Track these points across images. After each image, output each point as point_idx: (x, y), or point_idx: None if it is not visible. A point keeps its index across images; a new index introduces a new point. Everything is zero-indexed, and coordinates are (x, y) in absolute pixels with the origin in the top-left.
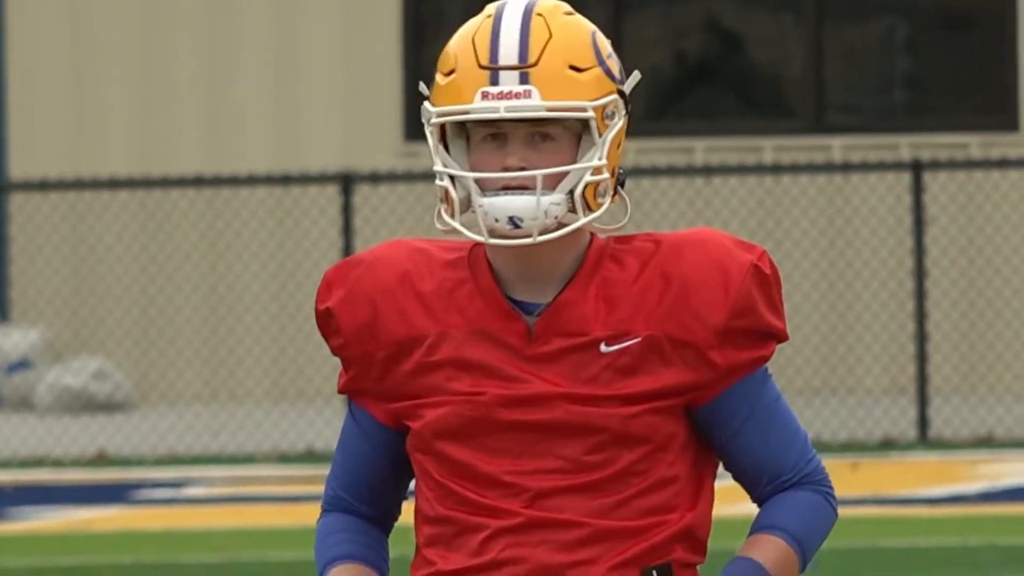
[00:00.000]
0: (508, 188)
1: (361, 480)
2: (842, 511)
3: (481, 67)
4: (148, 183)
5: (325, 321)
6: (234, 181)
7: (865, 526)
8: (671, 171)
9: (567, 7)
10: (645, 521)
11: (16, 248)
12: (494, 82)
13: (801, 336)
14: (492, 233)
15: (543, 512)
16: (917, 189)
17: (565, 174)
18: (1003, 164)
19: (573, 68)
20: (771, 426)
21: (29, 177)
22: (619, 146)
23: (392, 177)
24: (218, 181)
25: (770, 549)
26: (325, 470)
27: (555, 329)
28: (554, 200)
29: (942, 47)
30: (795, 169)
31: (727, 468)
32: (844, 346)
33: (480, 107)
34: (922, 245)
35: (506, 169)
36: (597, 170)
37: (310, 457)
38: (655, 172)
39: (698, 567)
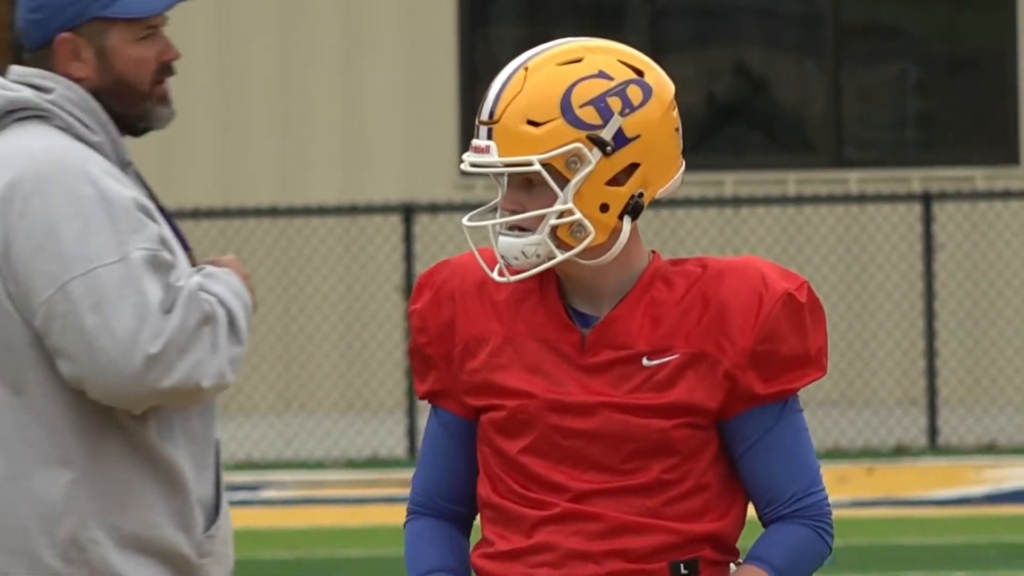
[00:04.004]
0: (511, 228)
1: (448, 478)
2: (858, 511)
3: (477, 119)
4: (228, 213)
5: (416, 321)
6: (306, 211)
7: (880, 525)
8: (703, 202)
9: (577, 54)
10: (674, 524)
11: None
12: (477, 135)
13: None
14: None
15: (578, 506)
16: (927, 218)
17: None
18: (1006, 195)
19: (530, 123)
20: (780, 454)
21: None
22: (616, 183)
23: (450, 207)
24: (291, 212)
25: None
26: (389, 474)
27: (604, 342)
28: (531, 241)
29: (950, 88)
30: (816, 200)
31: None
32: (861, 361)
33: (465, 159)
34: (931, 270)
35: (503, 208)
36: (566, 212)
37: (375, 463)
38: (688, 203)
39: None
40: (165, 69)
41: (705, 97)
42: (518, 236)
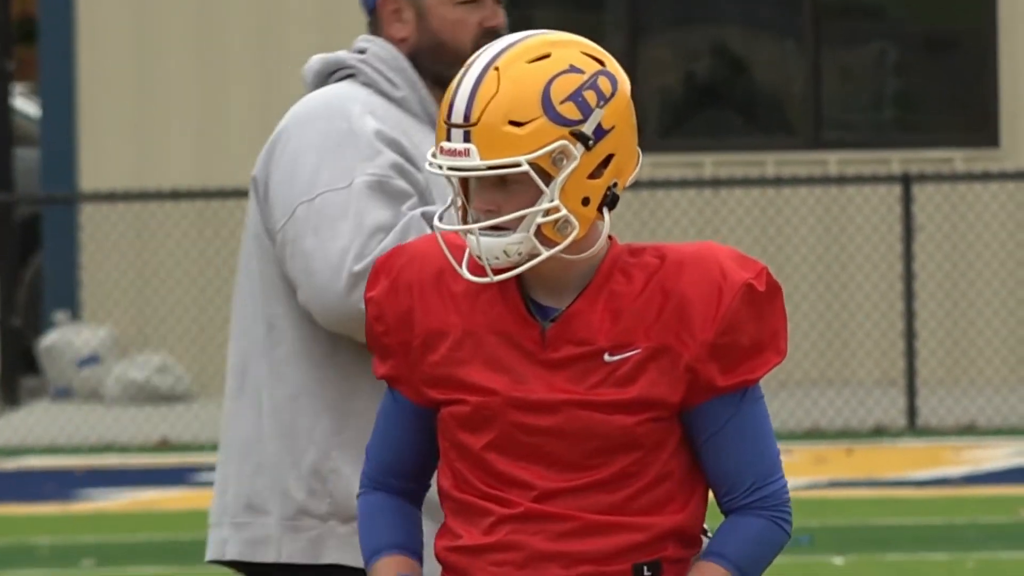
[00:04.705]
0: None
1: (403, 457)
2: (837, 492)
3: (443, 122)
4: (206, 194)
5: (372, 309)
6: None
7: (858, 506)
8: (682, 183)
9: (544, 50)
10: (638, 519)
11: (86, 254)
12: (448, 137)
13: (801, 333)
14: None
15: (542, 506)
16: (906, 200)
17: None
18: (985, 177)
19: (513, 123)
20: (738, 444)
21: (98, 189)
22: (595, 176)
23: None
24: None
25: None
26: None
27: (565, 337)
28: (513, 240)
29: (929, 69)
30: (795, 182)
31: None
32: (840, 342)
33: (433, 162)
34: (911, 251)
35: (476, 209)
36: (552, 209)
37: None
38: (668, 184)
39: (692, 558)
40: (489, 34)
41: (684, 78)
42: (499, 236)
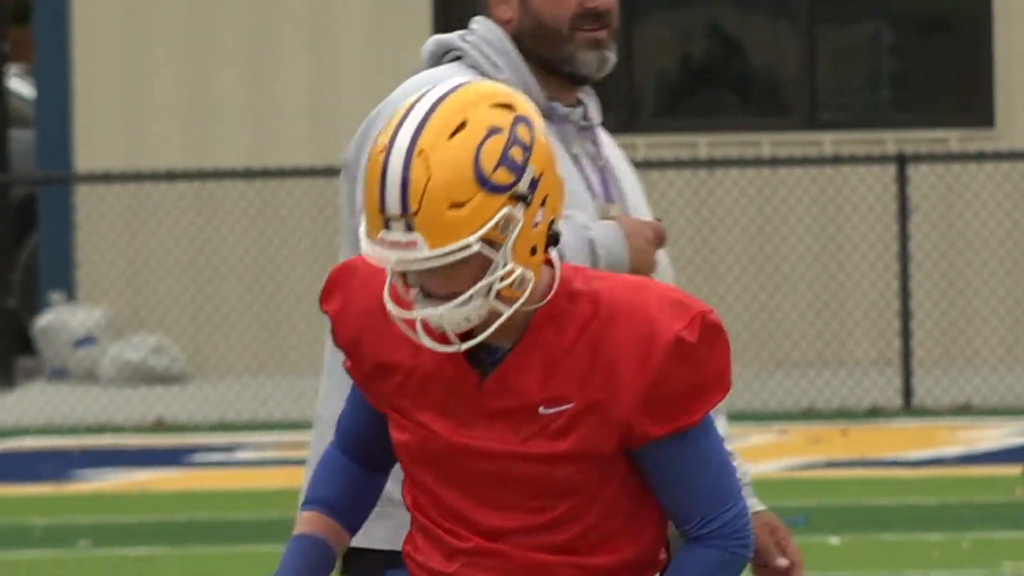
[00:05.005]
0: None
1: (363, 433)
2: (833, 472)
3: (377, 212)
4: (201, 175)
5: (330, 321)
6: (279, 173)
7: (854, 486)
8: (677, 164)
9: (458, 118)
10: (587, 558)
11: (81, 235)
12: (387, 226)
13: (797, 313)
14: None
15: (491, 544)
16: (902, 180)
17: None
18: (980, 157)
19: (455, 205)
20: (684, 481)
21: (93, 170)
22: (536, 223)
23: None
24: (265, 173)
25: None
26: None
27: (502, 387)
28: (473, 307)
29: (924, 49)
30: (790, 162)
31: None
32: (836, 322)
33: (376, 252)
34: (906, 231)
35: (429, 291)
36: (507, 272)
37: None
38: (662, 165)
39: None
40: (589, 15)
41: (679, 59)
42: (458, 306)
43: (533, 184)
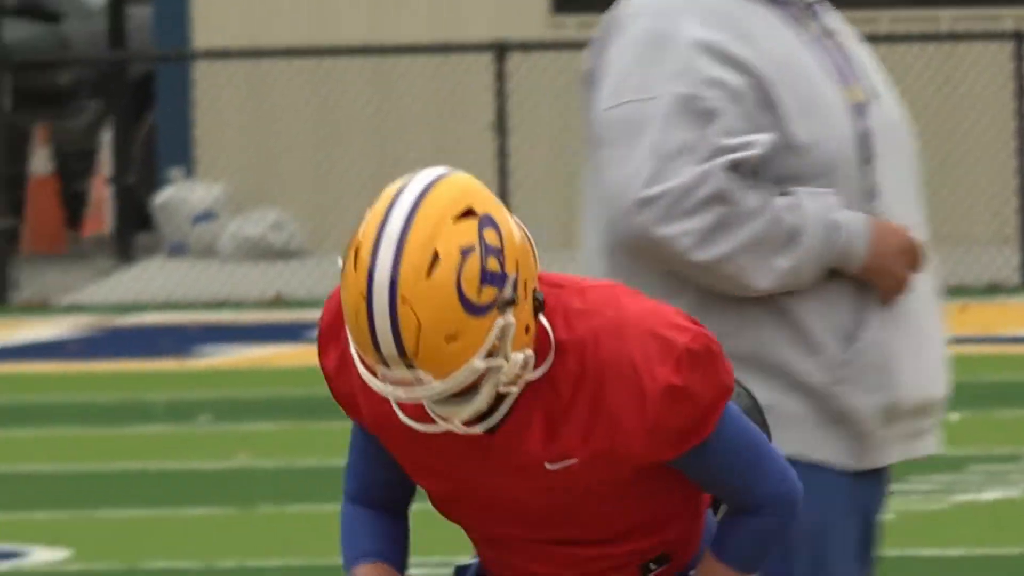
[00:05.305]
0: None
1: (374, 477)
2: (951, 349)
3: (373, 352)
4: (319, 51)
5: (324, 373)
6: (396, 50)
7: (973, 362)
8: None
9: (428, 249)
10: (630, 545)
11: (200, 111)
12: (385, 364)
13: None
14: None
15: (536, 541)
16: (1019, 57)
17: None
18: None
19: (450, 339)
20: (718, 478)
21: (212, 47)
22: (525, 308)
23: (542, 45)
24: (383, 50)
25: None
26: None
27: (506, 448)
28: (485, 396)
29: None
30: (908, 39)
31: None
32: (954, 199)
33: (381, 388)
34: (1023, 108)
35: (442, 412)
36: (510, 369)
37: None
38: None
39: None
40: None
41: None
42: (469, 399)
43: (515, 284)
